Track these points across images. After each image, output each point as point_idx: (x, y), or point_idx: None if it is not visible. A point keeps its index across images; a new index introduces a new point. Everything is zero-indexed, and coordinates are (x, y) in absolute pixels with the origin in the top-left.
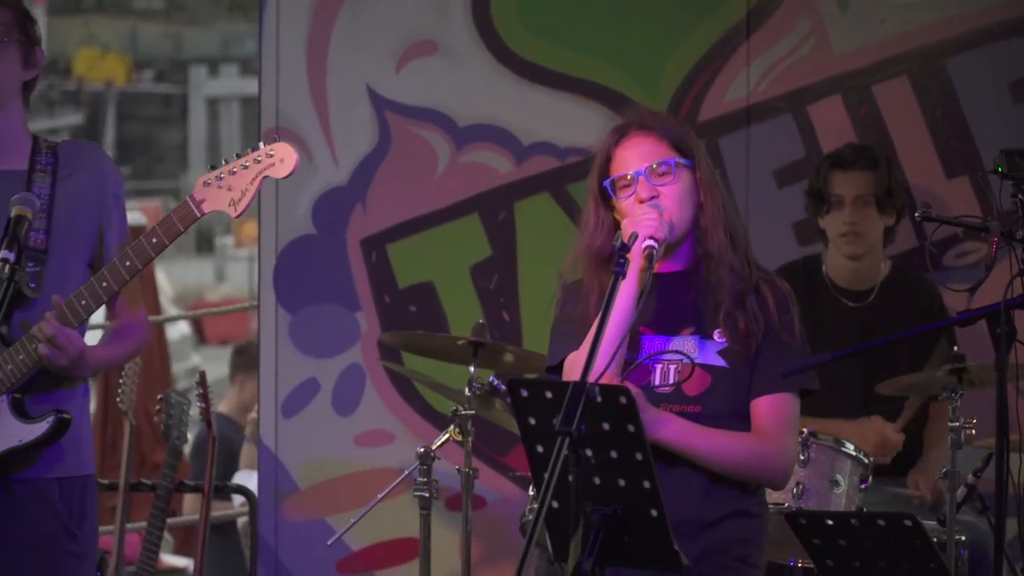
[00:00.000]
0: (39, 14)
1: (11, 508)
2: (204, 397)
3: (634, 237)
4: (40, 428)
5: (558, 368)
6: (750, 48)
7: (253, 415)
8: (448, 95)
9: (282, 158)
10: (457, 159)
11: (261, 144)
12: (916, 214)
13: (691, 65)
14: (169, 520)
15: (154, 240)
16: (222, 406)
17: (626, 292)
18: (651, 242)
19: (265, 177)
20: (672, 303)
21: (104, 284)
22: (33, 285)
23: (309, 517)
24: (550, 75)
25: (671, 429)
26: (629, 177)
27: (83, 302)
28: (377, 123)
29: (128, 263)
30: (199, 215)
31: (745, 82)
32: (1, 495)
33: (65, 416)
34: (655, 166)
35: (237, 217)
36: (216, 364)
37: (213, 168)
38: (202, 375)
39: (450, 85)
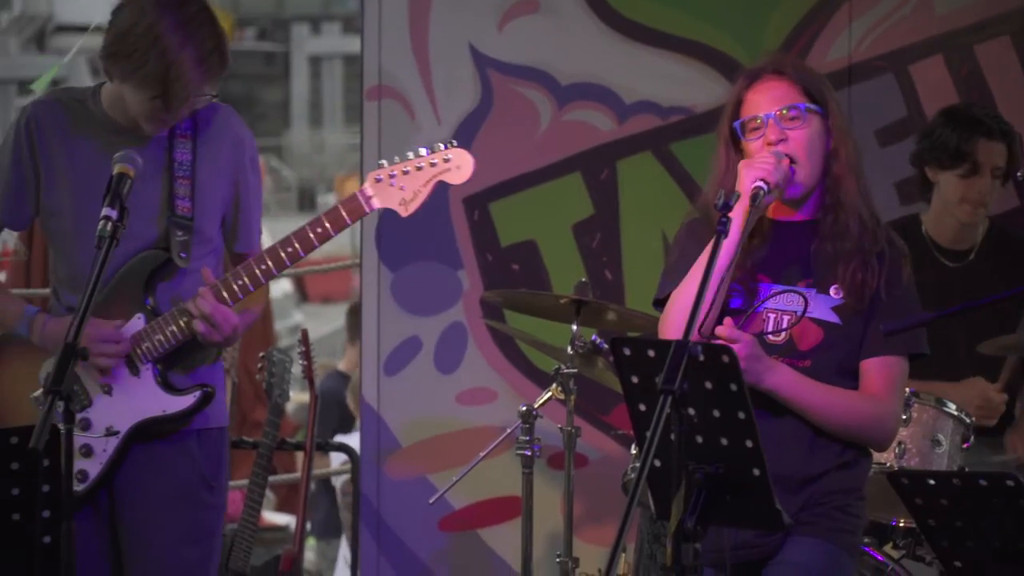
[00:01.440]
0: None
1: (152, 461)
2: (306, 355)
3: (735, 197)
4: (186, 401)
5: (663, 302)
6: (852, 7)
7: None
8: (550, 53)
9: (459, 164)
10: (559, 117)
11: (441, 145)
12: (1019, 175)
13: (793, 24)
14: (271, 478)
15: (319, 229)
16: (341, 364)
17: (727, 246)
18: (760, 183)
19: (439, 182)
20: (791, 253)
21: (263, 267)
22: (184, 255)
23: (411, 475)
24: (652, 34)
25: (785, 379)
26: (759, 120)
27: (240, 282)
28: (479, 81)
29: (290, 249)
30: (367, 210)
31: (847, 41)
32: (141, 449)
33: (209, 391)
34: (784, 111)
35: (406, 216)
36: (318, 322)
37: (384, 164)
38: (304, 333)
39: (552, 43)
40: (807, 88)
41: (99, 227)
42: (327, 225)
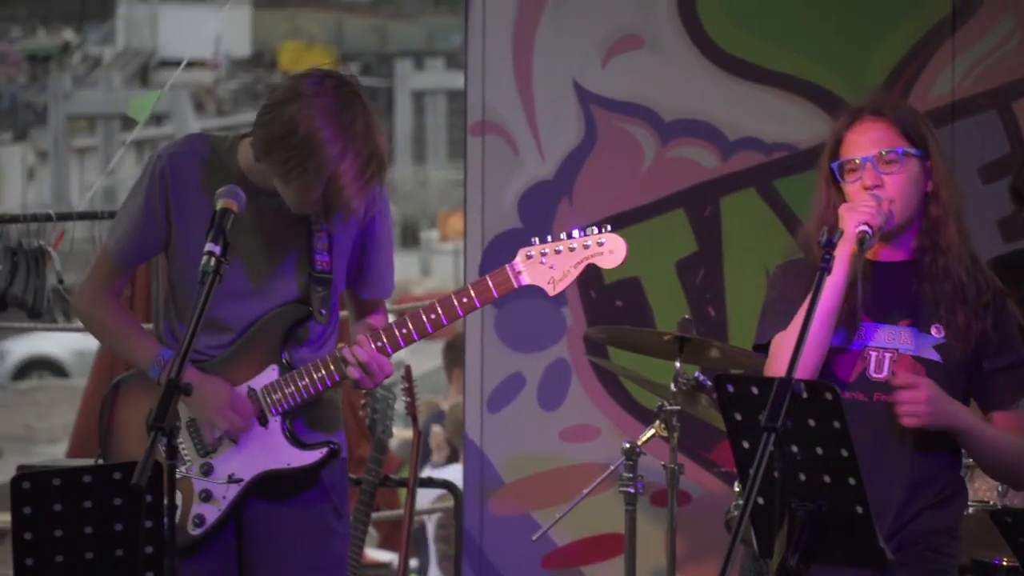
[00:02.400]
0: (245, 8)
1: (283, 490)
2: (409, 391)
3: (839, 234)
4: (312, 456)
5: (765, 347)
6: (955, 43)
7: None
8: (654, 89)
9: (611, 249)
10: (663, 154)
11: (595, 229)
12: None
13: (896, 60)
14: (373, 514)
15: (464, 300)
16: (445, 403)
17: (832, 286)
18: (864, 227)
19: (589, 265)
20: (892, 292)
21: (404, 331)
22: (324, 311)
23: (514, 512)
24: (756, 70)
25: (969, 418)
26: (856, 162)
27: (404, 330)
28: (583, 117)
29: (433, 316)
30: (516, 285)
31: (950, 77)
32: (272, 478)
33: (336, 447)
34: (883, 153)
35: (552, 296)
36: (421, 359)
37: (536, 241)
38: (407, 369)
39: (656, 79)
40: (906, 130)
41: (202, 262)
42: (473, 295)
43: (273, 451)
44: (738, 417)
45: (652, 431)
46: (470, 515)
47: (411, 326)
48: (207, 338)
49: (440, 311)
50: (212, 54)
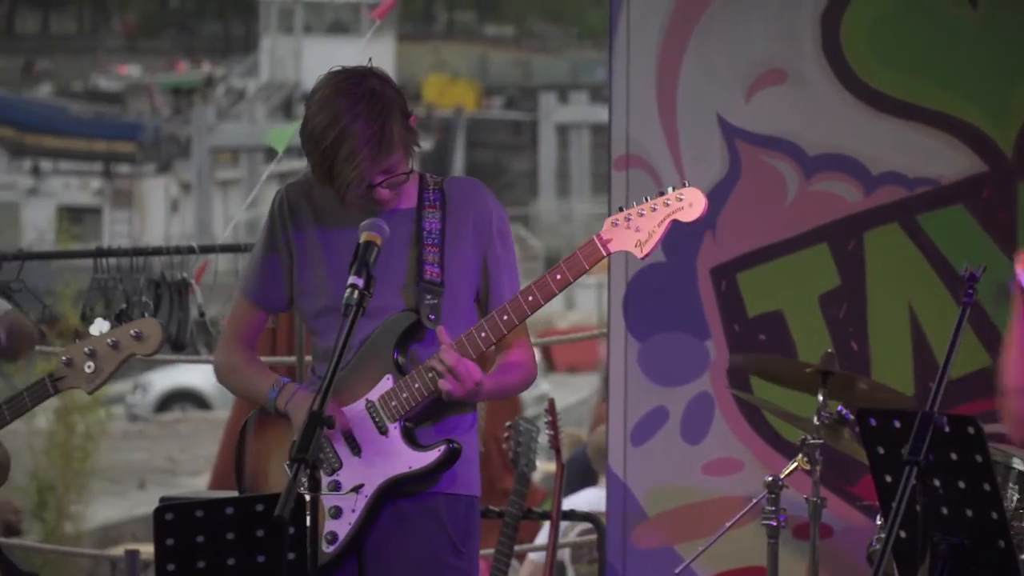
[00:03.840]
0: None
1: (399, 523)
2: (553, 424)
3: (982, 269)
4: (430, 457)
5: None
6: None
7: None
8: (797, 124)
9: (691, 202)
10: (806, 188)
11: (671, 188)
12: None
13: None
14: (517, 547)
15: (558, 277)
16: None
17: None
18: None
19: (674, 220)
20: None
21: (505, 318)
22: (432, 317)
23: (657, 544)
24: (899, 104)
25: None
26: None
27: (483, 334)
28: (727, 151)
29: (531, 298)
30: (604, 254)
31: None
32: (389, 510)
33: (455, 446)
34: None
35: (642, 258)
36: (565, 392)
37: (621, 209)
38: (551, 403)
39: (799, 114)
40: None
41: (346, 295)
42: (566, 272)
43: (395, 458)
44: (880, 451)
45: (795, 464)
46: (613, 548)
47: (511, 311)
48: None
49: (537, 293)
50: None
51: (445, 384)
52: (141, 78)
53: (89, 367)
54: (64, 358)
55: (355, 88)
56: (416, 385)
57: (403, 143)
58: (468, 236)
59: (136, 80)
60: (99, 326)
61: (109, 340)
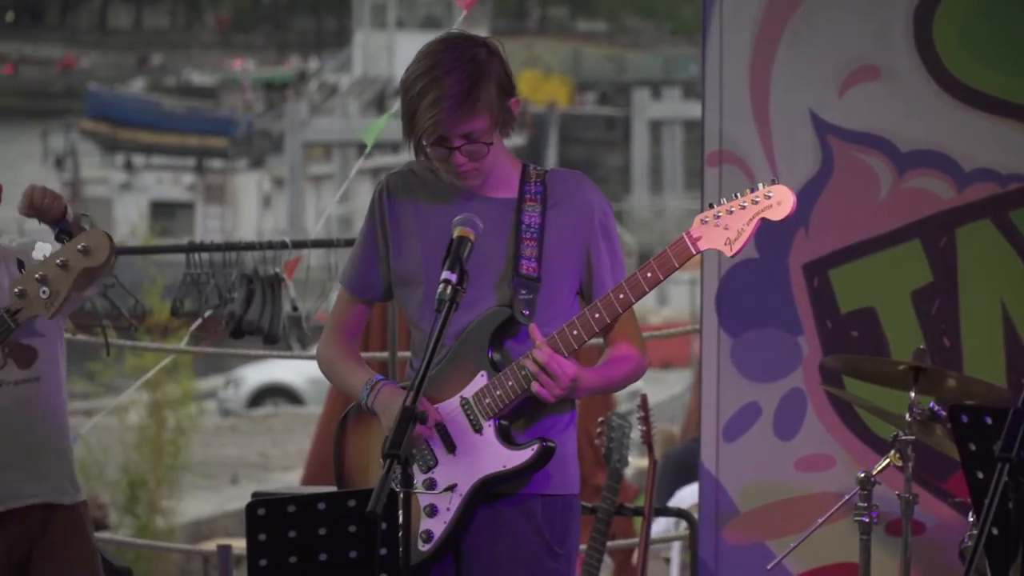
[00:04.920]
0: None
1: (494, 524)
2: (645, 420)
3: None
4: (524, 455)
5: None
6: None
7: None
8: (890, 120)
9: (779, 200)
10: (899, 184)
11: (760, 185)
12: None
13: None
14: (609, 543)
15: (648, 275)
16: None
17: None
18: None
19: (762, 219)
20: None
21: (597, 315)
22: (526, 312)
23: (749, 540)
24: (992, 101)
25: None
26: None
27: (575, 332)
28: (820, 148)
29: (622, 296)
30: (694, 252)
31: None
32: (485, 511)
33: (549, 445)
34: None
35: (732, 256)
36: (657, 387)
37: (712, 206)
38: (643, 398)
39: (892, 110)
40: None
41: (439, 290)
42: (656, 269)
43: (490, 457)
44: (972, 447)
45: (887, 461)
46: (705, 544)
47: (602, 309)
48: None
49: (628, 290)
50: None
51: (537, 386)
52: (246, 72)
53: (44, 292)
54: (16, 289)
55: (459, 47)
56: (510, 383)
57: (492, 113)
58: (569, 230)
59: (230, 75)
60: (41, 250)
61: (58, 260)
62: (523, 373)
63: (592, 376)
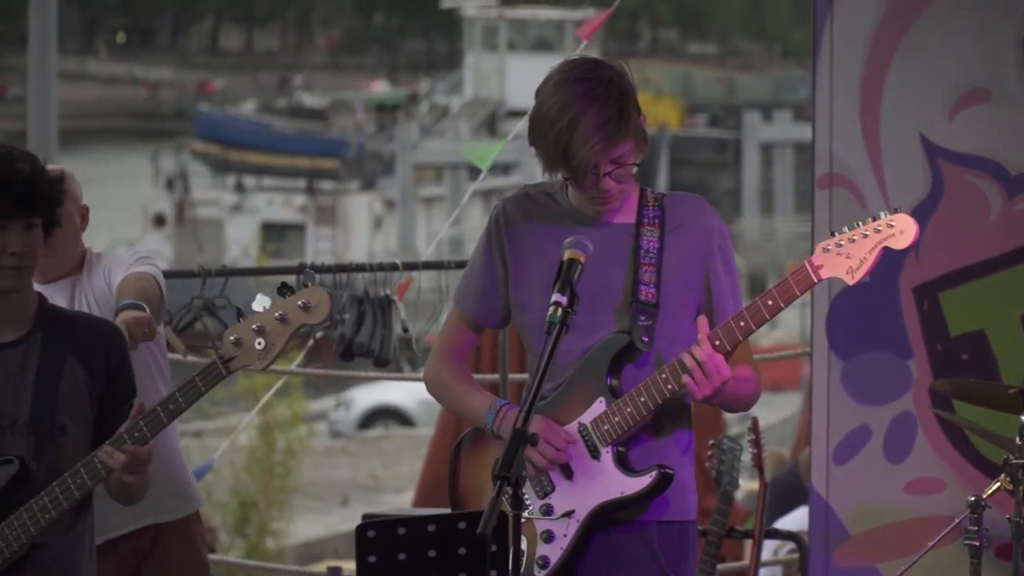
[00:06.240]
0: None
1: (611, 551)
2: (756, 443)
3: None
4: (642, 482)
5: None
6: None
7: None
8: (1000, 143)
9: (902, 229)
10: (1009, 207)
11: (882, 214)
12: None
13: None
14: (719, 566)
15: (769, 302)
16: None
17: None
18: None
19: (884, 248)
20: None
21: (716, 343)
22: (645, 339)
23: (859, 563)
24: None
25: None
26: None
27: (717, 342)
28: (930, 171)
29: (742, 323)
30: (816, 280)
31: None
32: (601, 538)
33: (668, 471)
34: None
35: (853, 284)
36: (768, 411)
37: (833, 234)
38: (754, 421)
39: (1002, 133)
40: None
41: (549, 313)
42: (777, 297)
43: (606, 483)
44: None
45: (997, 484)
46: (815, 566)
47: (722, 337)
48: (548, 383)
49: (748, 318)
50: None
51: (689, 380)
52: (394, 94)
53: (259, 344)
54: (232, 338)
55: (590, 74)
56: (629, 409)
57: (635, 134)
58: (688, 254)
59: (340, 96)
60: (261, 301)
61: (276, 314)
62: (642, 400)
63: (731, 385)
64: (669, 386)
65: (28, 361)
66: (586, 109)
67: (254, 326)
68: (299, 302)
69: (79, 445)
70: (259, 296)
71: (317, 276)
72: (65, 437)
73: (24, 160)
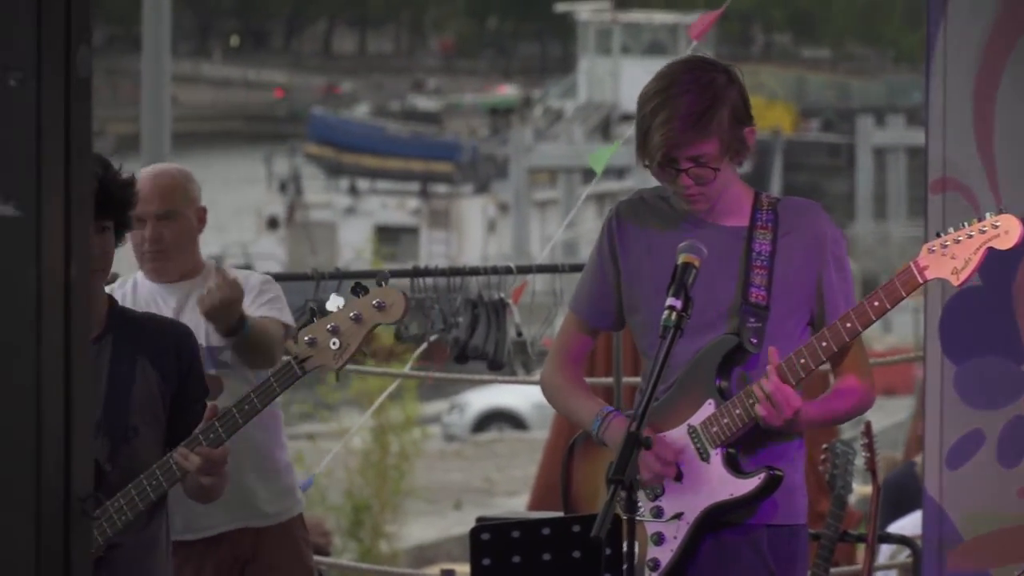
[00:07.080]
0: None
1: (721, 554)
2: (869, 447)
3: None
4: (751, 484)
5: None
6: None
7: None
8: None
9: (1007, 229)
10: None
11: (987, 214)
12: None
13: None
14: (832, 570)
15: (876, 303)
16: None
17: None
18: None
19: (989, 248)
20: None
21: (824, 344)
22: (754, 340)
23: (973, 568)
24: None
25: None
26: None
27: (802, 361)
28: None
29: (849, 324)
30: (921, 281)
31: None
32: (711, 540)
33: (777, 473)
34: None
35: (958, 286)
36: (881, 415)
37: (938, 235)
38: (867, 425)
39: None
40: None
41: (663, 317)
42: (884, 299)
43: (715, 485)
44: None
45: None
46: (929, 571)
47: (829, 338)
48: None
49: (855, 319)
50: None
51: (761, 410)
52: (508, 98)
53: (334, 343)
54: (307, 337)
55: (697, 70)
56: (737, 411)
57: (722, 138)
58: (800, 259)
59: (454, 100)
60: (335, 301)
61: (351, 314)
62: (750, 401)
63: (815, 409)
64: (748, 412)
65: (100, 363)
66: (676, 98)
67: (329, 326)
68: (373, 301)
69: (152, 446)
70: (333, 296)
71: (388, 276)
72: (138, 439)
73: (96, 163)
